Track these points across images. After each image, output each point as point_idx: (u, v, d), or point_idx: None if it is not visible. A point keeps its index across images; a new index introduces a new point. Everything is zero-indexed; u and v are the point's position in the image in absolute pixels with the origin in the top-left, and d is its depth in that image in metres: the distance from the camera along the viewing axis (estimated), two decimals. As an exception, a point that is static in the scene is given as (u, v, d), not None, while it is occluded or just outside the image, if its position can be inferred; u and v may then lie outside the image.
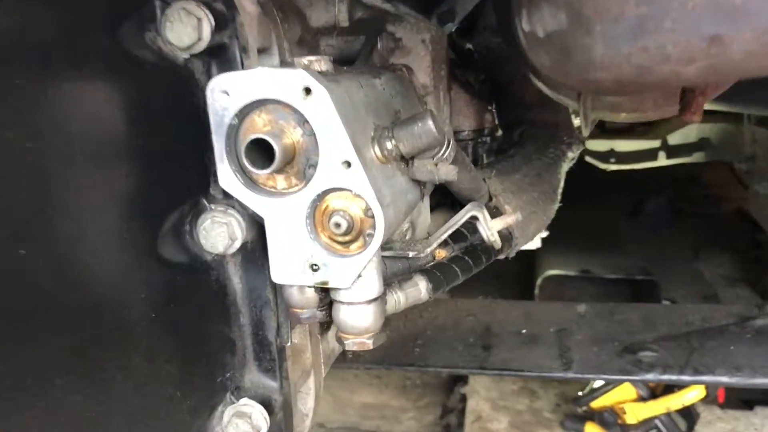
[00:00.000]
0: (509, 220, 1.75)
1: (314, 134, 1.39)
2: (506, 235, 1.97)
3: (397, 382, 5.28)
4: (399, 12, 2.27)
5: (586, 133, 2.52)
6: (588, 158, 6.11)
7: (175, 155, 1.54)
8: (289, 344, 1.69)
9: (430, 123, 1.50)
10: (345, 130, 1.37)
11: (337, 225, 1.40)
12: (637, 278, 5.18)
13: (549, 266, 5.72)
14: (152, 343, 1.47)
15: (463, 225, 1.81)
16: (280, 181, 1.47)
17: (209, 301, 1.62)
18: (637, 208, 7.18)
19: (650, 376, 2.76)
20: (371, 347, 1.49)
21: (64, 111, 1.28)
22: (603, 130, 6.23)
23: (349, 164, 1.38)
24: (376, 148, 1.49)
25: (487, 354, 2.86)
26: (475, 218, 1.75)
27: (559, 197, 2.87)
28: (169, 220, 1.53)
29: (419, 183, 1.68)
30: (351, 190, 1.39)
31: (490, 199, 2.10)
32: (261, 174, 1.40)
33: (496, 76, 3.26)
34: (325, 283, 1.44)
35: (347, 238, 1.43)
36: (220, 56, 1.58)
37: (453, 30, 3.29)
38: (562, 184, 2.98)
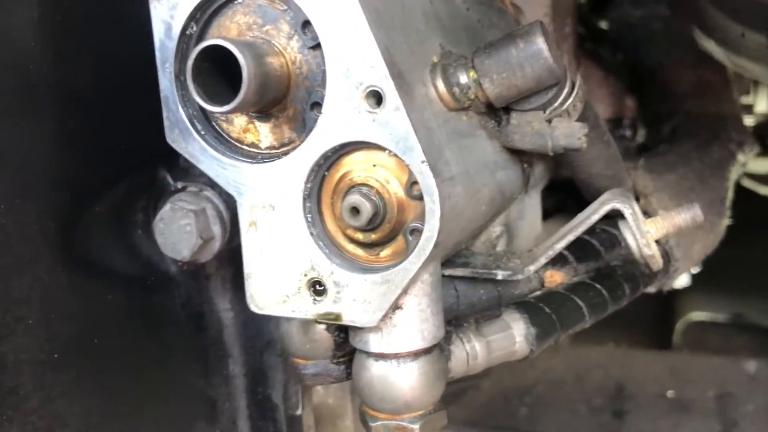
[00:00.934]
0: (680, 220, 1.01)
1: (320, 46, 0.75)
2: (662, 254, 1.23)
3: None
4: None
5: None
6: (745, 181, 5.20)
7: (119, 97, 0.95)
8: (300, 412, 1.04)
9: (540, 41, 0.85)
10: (373, 34, 0.72)
11: (355, 211, 0.76)
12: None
13: (692, 308, 4.87)
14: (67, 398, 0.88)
15: (596, 233, 1.10)
16: (265, 134, 0.84)
17: (171, 335, 1.01)
18: (803, 244, 6.15)
19: None
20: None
21: None
22: (765, 146, 5.28)
23: (379, 98, 0.74)
24: (439, 82, 0.84)
25: (619, 423, 2.31)
26: (617, 214, 1.03)
27: (728, 212, 2.12)
28: (105, 202, 0.93)
29: (521, 158, 1.00)
30: (383, 148, 0.74)
31: (637, 199, 1.37)
32: (219, 112, 0.78)
33: (639, 58, 2.59)
34: (336, 317, 0.79)
35: (375, 236, 0.79)
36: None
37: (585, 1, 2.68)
38: (731, 194, 2.24)
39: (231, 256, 1.08)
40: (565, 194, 1.55)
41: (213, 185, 1.01)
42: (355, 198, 0.77)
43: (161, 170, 1.02)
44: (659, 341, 5.38)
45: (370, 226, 0.78)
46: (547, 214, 1.53)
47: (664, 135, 2.44)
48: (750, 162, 4.56)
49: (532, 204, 1.30)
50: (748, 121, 3.30)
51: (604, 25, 2.77)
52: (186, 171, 1.03)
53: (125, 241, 0.98)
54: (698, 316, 4.91)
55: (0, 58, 0.83)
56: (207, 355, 1.07)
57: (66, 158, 0.90)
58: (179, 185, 1.02)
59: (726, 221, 2.06)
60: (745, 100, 3.24)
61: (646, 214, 1.39)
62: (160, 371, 1.02)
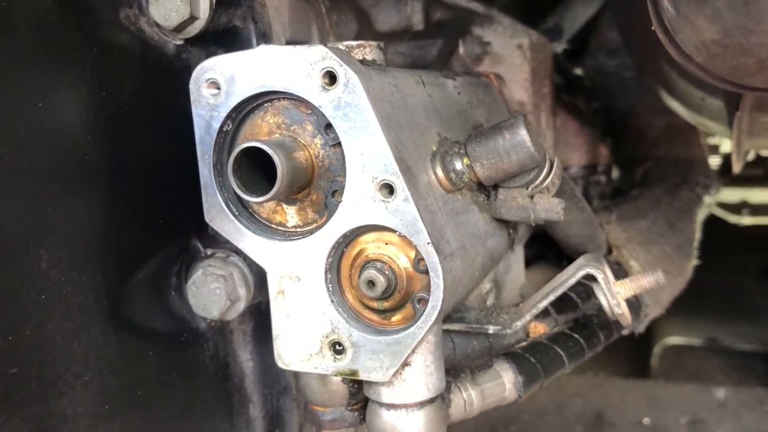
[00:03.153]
0: (644, 282, 1.17)
1: (340, 144, 0.90)
2: (633, 303, 1.39)
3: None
4: (489, 12, 1.78)
5: (737, 167, 1.92)
6: (715, 210, 5.38)
7: (159, 178, 1.09)
8: (315, 452, 1.17)
9: (523, 133, 0.99)
10: (385, 137, 0.87)
11: (371, 284, 0.90)
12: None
13: (668, 333, 4.98)
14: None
15: (573, 288, 1.26)
16: (291, 215, 0.98)
17: (202, 385, 1.14)
18: (770, 268, 6.32)
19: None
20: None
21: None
22: (733, 177, 5.48)
23: (390, 189, 0.88)
24: (438, 169, 0.98)
25: (599, 450, 2.22)
26: (591, 278, 1.19)
27: (695, 252, 2.26)
28: (146, 270, 1.07)
29: (507, 225, 1.15)
30: (394, 230, 0.89)
31: (609, 251, 1.53)
32: (256, 202, 0.92)
33: (613, 105, 2.74)
34: (354, 373, 0.93)
35: (387, 303, 0.93)
36: (228, 43, 1.14)
37: (560, 51, 2.81)
38: (698, 235, 2.37)
39: (250, 311, 1.22)
40: (542, 244, 1.70)
41: (238, 251, 1.14)
42: (371, 273, 0.91)
43: (192, 238, 1.15)
44: (637, 364, 5.52)
45: (384, 296, 0.92)
46: (528, 262, 1.67)
47: (637, 178, 2.59)
48: (720, 192, 4.75)
49: (517, 258, 1.45)
50: (714, 161, 3.48)
51: (578, 71, 2.92)
52: (214, 238, 1.16)
53: (162, 302, 1.11)
54: (674, 340, 5.04)
55: (60, 149, 0.96)
56: (231, 401, 1.20)
57: (114, 234, 1.03)
58: (208, 252, 1.16)
59: (694, 262, 2.20)
60: (712, 141, 3.42)
61: (618, 264, 1.55)
62: (192, 416, 1.14)
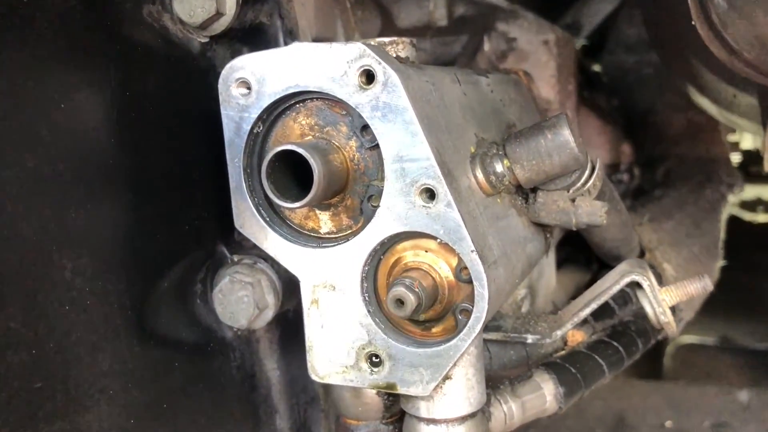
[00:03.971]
0: (691, 289, 1.12)
1: (377, 146, 0.85)
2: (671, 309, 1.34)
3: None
4: (513, 8, 1.73)
5: (768, 166, 1.85)
6: (732, 208, 5.34)
7: (184, 182, 1.04)
8: (345, 464, 1.12)
9: (567, 133, 0.95)
10: (426, 138, 0.83)
11: (400, 302, 0.86)
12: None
13: (682, 332, 4.95)
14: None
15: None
16: (325, 222, 0.94)
17: (228, 396, 1.09)
18: (784, 267, 6.27)
19: None
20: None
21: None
22: (749, 174, 5.44)
23: (431, 194, 0.84)
24: (478, 172, 0.94)
25: (621, 454, 2.28)
26: (635, 285, 1.14)
27: (721, 253, 2.21)
28: (171, 277, 1.02)
29: (545, 229, 1.10)
30: (435, 237, 0.84)
31: (642, 254, 1.48)
32: (291, 208, 0.87)
33: (632, 102, 2.69)
34: (391, 387, 0.89)
35: (428, 314, 0.88)
36: (254, 41, 1.10)
37: (578, 47, 2.77)
38: (723, 235, 2.33)
39: (277, 319, 1.17)
40: (573, 247, 1.66)
41: (266, 257, 1.10)
42: (399, 290, 0.84)
43: (218, 244, 1.11)
44: (650, 364, 5.45)
45: (414, 316, 0.87)
46: (557, 265, 1.63)
47: (658, 177, 2.55)
48: (744, 190, 4.68)
49: (549, 262, 1.40)
50: (735, 158, 3.43)
51: (597, 68, 2.88)
52: (240, 244, 1.12)
53: (187, 311, 1.07)
54: (688, 339, 5.00)
55: (83, 152, 0.92)
56: (258, 412, 1.15)
57: (138, 240, 0.99)
58: (235, 258, 1.11)
59: (720, 262, 2.16)
60: (732, 138, 3.38)
61: (652, 267, 1.50)
62: (218, 428, 1.10)
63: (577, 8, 2.69)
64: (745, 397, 2.74)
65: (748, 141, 3.77)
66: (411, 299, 0.84)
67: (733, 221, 5.65)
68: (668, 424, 2.60)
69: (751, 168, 5.41)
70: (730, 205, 2.50)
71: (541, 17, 1.81)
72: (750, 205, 5.47)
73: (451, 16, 1.74)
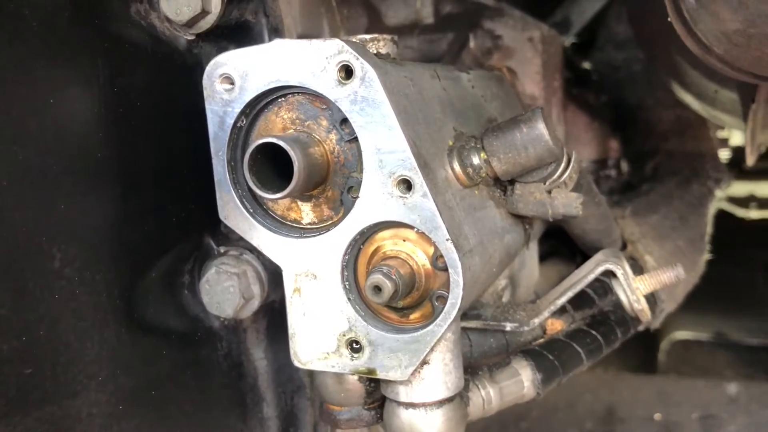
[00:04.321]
0: (664, 278, 1.15)
1: (356, 139, 0.88)
2: (649, 299, 1.37)
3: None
4: (499, 5, 1.76)
5: (751, 160, 1.90)
6: (724, 204, 5.36)
7: (171, 175, 1.07)
8: (330, 450, 1.16)
9: (541, 126, 0.97)
10: (402, 131, 0.86)
11: (377, 289, 0.88)
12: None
13: (676, 327, 4.97)
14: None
15: (590, 284, 1.24)
16: (306, 212, 0.97)
17: (216, 384, 1.12)
18: (778, 262, 6.28)
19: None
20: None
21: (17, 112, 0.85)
22: (742, 171, 5.46)
23: (408, 185, 0.87)
24: (455, 164, 0.97)
25: (610, 446, 2.26)
26: (609, 274, 1.18)
27: (707, 247, 2.24)
28: (158, 268, 1.05)
29: (523, 220, 1.13)
30: (412, 227, 0.87)
31: (624, 247, 1.51)
32: (272, 199, 0.90)
33: (621, 98, 2.72)
34: (372, 372, 0.92)
35: (405, 301, 0.91)
36: (240, 38, 1.13)
37: (568, 44, 2.79)
38: (709, 230, 2.36)
39: (263, 310, 1.20)
40: (556, 240, 1.68)
41: (252, 249, 1.13)
42: (377, 278, 0.87)
43: (205, 236, 1.14)
44: (645, 360, 5.50)
45: (391, 302, 0.90)
46: (541, 258, 1.66)
47: (647, 172, 2.57)
48: (731, 185, 4.73)
49: (531, 254, 1.43)
50: (724, 154, 3.45)
51: (587, 65, 2.90)
52: (226, 236, 1.15)
53: (175, 301, 1.10)
54: (682, 335, 5.02)
55: (72, 146, 0.95)
56: (245, 400, 1.18)
57: (126, 231, 1.02)
58: (221, 249, 1.14)
59: (706, 256, 2.18)
60: (721, 134, 3.40)
61: (633, 259, 1.53)
62: (206, 416, 1.13)
63: (567, 6, 2.71)
64: (734, 390, 2.77)
65: (737, 137, 3.79)
66: (388, 286, 0.86)
67: (726, 217, 5.69)
68: (657, 416, 2.63)
69: (742, 164, 5.42)
70: (718, 200, 2.52)
71: (527, 15, 1.84)
72: (742, 201, 5.50)
73: (438, 14, 1.76)
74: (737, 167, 5.51)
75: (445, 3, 1.79)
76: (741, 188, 5.62)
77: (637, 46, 2.61)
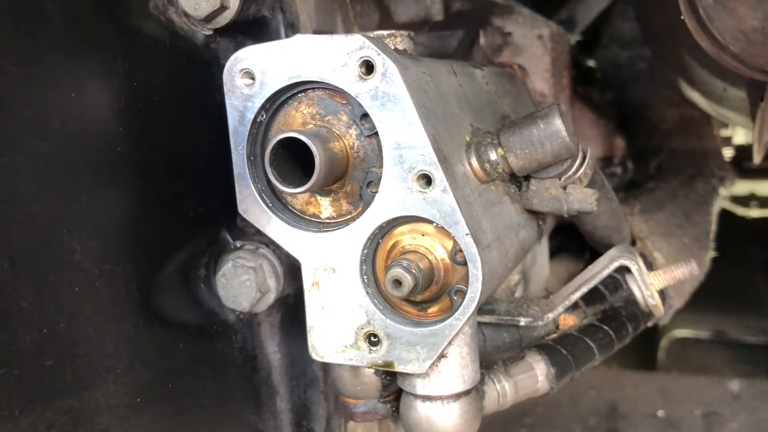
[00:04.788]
0: (678, 273, 1.17)
1: (376, 134, 0.89)
2: (659, 295, 1.38)
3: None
4: (509, 3, 1.77)
5: (757, 159, 1.90)
6: (724, 203, 5.37)
7: (189, 169, 1.08)
8: (344, 443, 1.17)
9: (558, 122, 0.98)
10: (423, 126, 0.86)
11: (397, 283, 0.89)
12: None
13: (675, 326, 5.00)
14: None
15: (601, 280, 1.25)
16: (325, 207, 0.97)
17: (230, 377, 1.13)
18: (776, 260, 6.30)
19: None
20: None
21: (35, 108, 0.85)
22: (742, 169, 5.48)
23: (428, 180, 0.88)
24: (473, 160, 0.97)
25: (614, 442, 2.29)
26: (623, 270, 1.19)
27: (712, 244, 2.25)
28: (176, 261, 1.06)
29: (537, 216, 1.14)
30: (431, 221, 0.88)
31: (633, 243, 1.52)
32: (293, 193, 0.91)
33: (626, 96, 2.72)
34: (389, 365, 0.93)
35: (424, 295, 0.92)
36: (257, 33, 1.13)
37: (573, 42, 2.80)
38: (714, 227, 2.37)
39: (278, 303, 1.21)
40: (565, 236, 1.70)
41: (268, 243, 1.13)
42: (397, 271, 0.88)
43: (222, 230, 1.14)
44: (644, 357, 5.52)
45: (410, 296, 0.90)
46: (551, 254, 1.67)
47: (651, 170, 2.58)
48: (735, 184, 4.71)
49: (542, 250, 1.44)
50: (727, 152, 3.47)
51: (591, 63, 2.91)
52: (242, 230, 1.15)
53: (191, 294, 1.10)
54: (681, 333, 5.04)
55: (92, 140, 0.96)
56: (259, 393, 1.19)
57: (145, 225, 1.03)
58: (238, 243, 1.15)
59: (711, 254, 2.20)
60: (724, 133, 3.41)
61: (643, 256, 1.54)
62: (220, 408, 1.14)
63: (572, 4, 2.72)
64: (736, 388, 2.78)
65: (740, 136, 3.81)
66: (408, 279, 0.87)
67: (727, 216, 5.70)
68: (660, 413, 2.64)
69: (744, 163, 5.44)
70: (722, 198, 2.53)
71: (536, 12, 1.85)
72: (743, 200, 5.51)
73: (448, 11, 1.77)
74: (739, 166, 5.52)
75: (455, 0, 1.79)
76: (742, 187, 5.63)
77: (642, 44, 2.62)
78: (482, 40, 1.71)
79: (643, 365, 4.96)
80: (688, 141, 2.67)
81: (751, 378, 2.82)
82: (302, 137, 0.87)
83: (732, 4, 0.92)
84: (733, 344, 5.11)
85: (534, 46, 1.75)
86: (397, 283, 0.88)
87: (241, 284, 1.10)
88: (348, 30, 1.39)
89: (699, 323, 5.19)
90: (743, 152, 4.39)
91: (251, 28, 1.14)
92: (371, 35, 1.01)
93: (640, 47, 2.67)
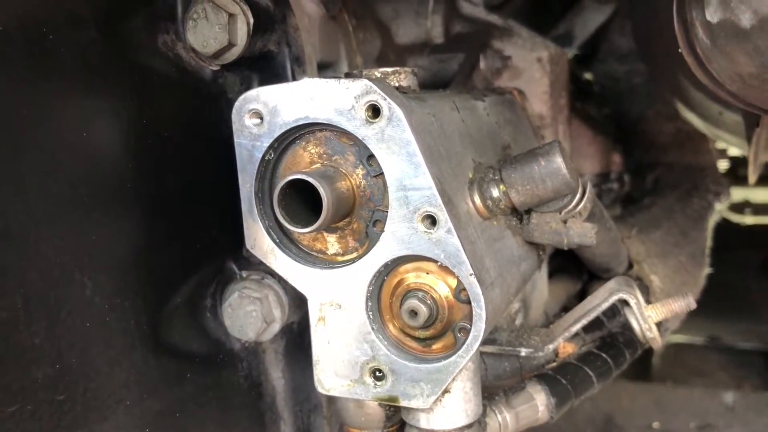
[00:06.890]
0: (675, 307, 1.19)
1: (382, 174, 0.91)
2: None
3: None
4: (508, 26, 1.79)
5: (752, 179, 1.93)
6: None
7: (196, 202, 1.10)
8: (346, 469, 1.19)
9: (559, 160, 1.00)
10: (428, 169, 0.89)
11: (413, 313, 0.91)
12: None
13: (670, 332, 5.02)
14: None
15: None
16: (332, 244, 1.00)
17: (235, 404, 1.15)
18: (768, 264, 6.34)
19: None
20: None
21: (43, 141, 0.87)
22: (737, 177, 5.52)
23: (433, 220, 0.90)
24: (476, 197, 1.00)
25: (610, 455, 2.27)
26: (623, 302, 1.21)
27: (708, 260, 2.27)
28: (183, 293, 1.08)
29: (537, 247, 1.16)
30: (435, 260, 0.90)
31: (630, 266, 1.54)
32: (301, 233, 0.93)
33: (623, 110, 2.75)
34: (394, 399, 0.95)
35: (428, 332, 0.95)
36: (263, 68, 1.15)
37: (570, 56, 2.82)
38: (709, 243, 2.39)
39: (282, 331, 1.23)
40: (563, 258, 1.72)
41: (273, 273, 1.15)
42: (413, 303, 0.93)
43: (228, 260, 1.16)
44: (639, 363, 5.50)
45: (426, 325, 0.94)
46: (549, 275, 1.69)
47: (648, 185, 2.61)
48: (730, 198, 4.74)
49: (541, 275, 1.47)
50: (722, 164, 3.49)
51: (588, 76, 2.93)
52: (248, 260, 1.17)
53: (198, 324, 1.12)
54: (676, 338, 5.07)
55: (102, 176, 0.97)
56: (263, 419, 1.21)
57: (153, 258, 1.05)
58: (243, 274, 1.17)
59: (706, 270, 2.22)
60: (719, 144, 3.44)
61: (639, 279, 1.57)
62: (227, 435, 1.16)
63: (570, 19, 2.74)
64: (731, 399, 2.81)
65: (735, 149, 3.84)
66: (423, 310, 0.91)
67: (721, 222, 5.72)
68: (655, 425, 2.67)
69: (739, 171, 5.47)
70: (717, 213, 2.56)
71: (534, 33, 1.87)
72: (738, 207, 5.53)
73: (448, 34, 1.79)
74: (734, 173, 5.55)
75: (455, 23, 1.82)
76: (736, 194, 5.65)
77: (638, 59, 2.64)
78: (482, 64, 1.73)
79: (638, 371, 4.97)
80: (685, 155, 2.70)
81: (744, 389, 2.85)
82: (310, 179, 0.89)
83: (729, 50, 0.95)
84: (727, 350, 5.14)
85: (533, 69, 1.77)
86: (413, 313, 0.91)
87: (247, 315, 1.12)
88: (351, 59, 1.41)
89: (693, 329, 5.22)
90: (738, 161, 4.42)
91: (258, 63, 1.17)
92: (376, 74, 1.04)
93: (637, 62, 2.69)
